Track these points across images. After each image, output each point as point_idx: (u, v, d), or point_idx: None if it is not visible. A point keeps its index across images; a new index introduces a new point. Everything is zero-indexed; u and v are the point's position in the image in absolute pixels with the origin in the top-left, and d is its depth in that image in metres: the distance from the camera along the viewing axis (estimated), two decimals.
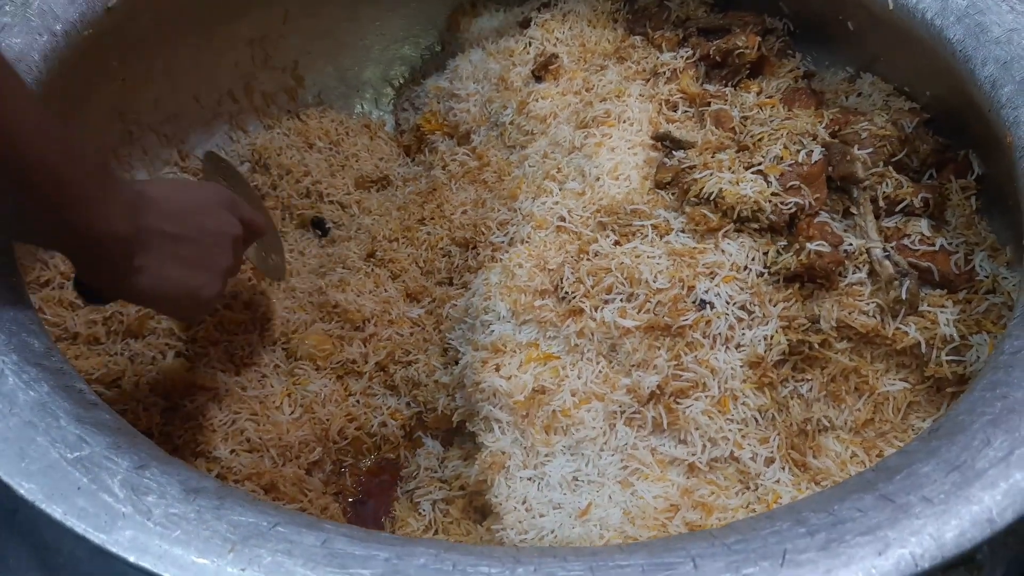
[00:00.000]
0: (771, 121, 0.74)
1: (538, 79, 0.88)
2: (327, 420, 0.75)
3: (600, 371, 0.66)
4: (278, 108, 0.98)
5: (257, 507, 0.37)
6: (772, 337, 0.64)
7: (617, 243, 0.71)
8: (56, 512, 0.35)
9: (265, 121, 0.98)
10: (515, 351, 0.69)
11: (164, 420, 0.71)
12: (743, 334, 0.64)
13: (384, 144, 0.99)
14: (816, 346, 0.64)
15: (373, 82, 1.03)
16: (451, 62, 0.97)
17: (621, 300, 0.67)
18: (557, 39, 0.90)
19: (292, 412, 0.74)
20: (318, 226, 0.91)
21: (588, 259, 0.70)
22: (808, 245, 0.65)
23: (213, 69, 0.91)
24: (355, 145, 0.97)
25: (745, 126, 0.75)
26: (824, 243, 0.65)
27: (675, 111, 0.80)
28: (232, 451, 0.70)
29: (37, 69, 0.64)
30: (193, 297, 0.55)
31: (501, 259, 0.75)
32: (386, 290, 0.82)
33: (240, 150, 0.95)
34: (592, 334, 0.67)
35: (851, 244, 0.66)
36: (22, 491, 0.36)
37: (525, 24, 0.94)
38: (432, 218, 0.86)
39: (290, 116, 0.98)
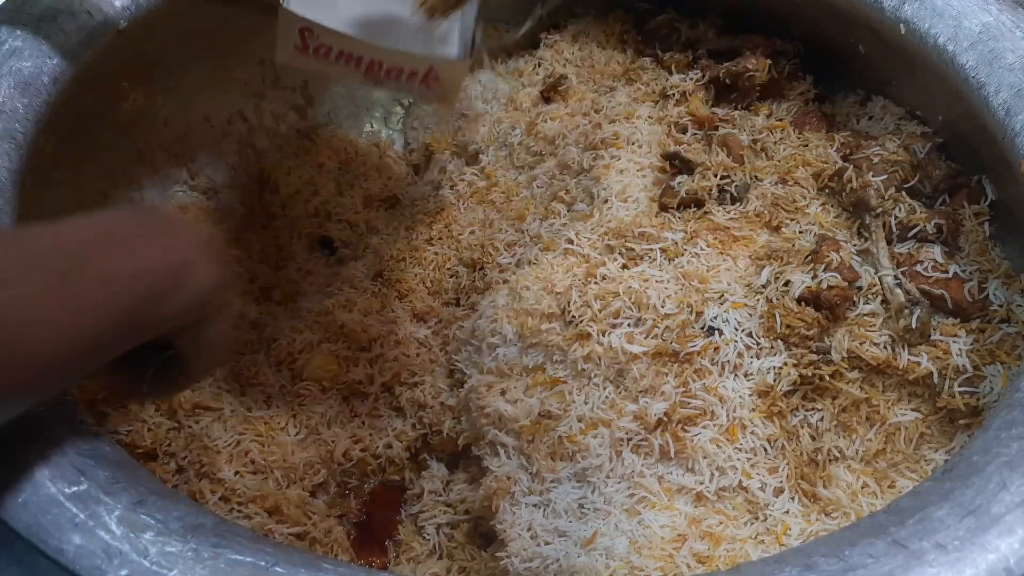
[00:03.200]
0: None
1: (547, 100, 0.88)
2: (332, 442, 0.74)
3: (607, 397, 0.65)
4: (288, 128, 0.98)
5: (256, 545, 0.37)
6: (782, 368, 0.63)
7: (625, 266, 0.70)
8: (51, 549, 0.35)
9: (275, 141, 0.98)
10: (521, 375, 0.68)
11: (169, 441, 0.70)
12: (752, 362, 0.63)
13: (393, 163, 0.98)
14: (827, 377, 0.63)
15: (383, 102, 1.03)
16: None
17: (629, 325, 0.66)
18: (566, 60, 0.90)
19: (297, 433, 0.74)
20: (326, 245, 0.91)
21: (596, 282, 0.70)
22: (820, 273, 0.64)
23: (223, 89, 0.91)
24: (364, 164, 0.97)
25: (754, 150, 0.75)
26: (838, 275, 0.64)
27: (684, 134, 0.79)
28: (236, 472, 0.70)
29: (47, 92, 0.64)
30: None
31: (508, 281, 0.75)
32: (393, 310, 0.82)
33: (249, 169, 0.95)
34: (599, 359, 0.66)
35: (864, 281, 0.65)
36: (18, 526, 0.35)
37: (535, 45, 0.94)
38: (440, 238, 0.86)
39: (299, 136, 0.98)
